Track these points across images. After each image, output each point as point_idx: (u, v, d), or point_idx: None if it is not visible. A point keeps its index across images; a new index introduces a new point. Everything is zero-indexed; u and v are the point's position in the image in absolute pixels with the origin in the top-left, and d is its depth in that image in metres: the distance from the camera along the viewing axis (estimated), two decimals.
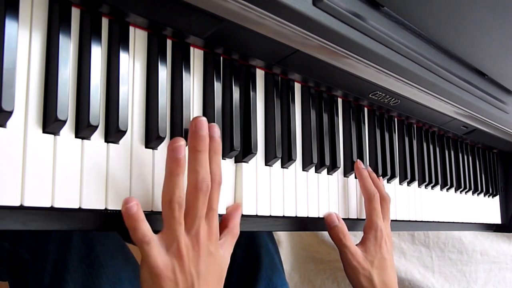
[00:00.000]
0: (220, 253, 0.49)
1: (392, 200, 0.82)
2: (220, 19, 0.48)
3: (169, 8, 0.46)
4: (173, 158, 0.45)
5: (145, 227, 0.44)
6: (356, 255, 0.69)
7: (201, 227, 0.47)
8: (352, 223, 0.74)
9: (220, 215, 0.53)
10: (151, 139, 0.48)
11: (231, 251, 0.52)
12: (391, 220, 0.81)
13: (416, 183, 0.89)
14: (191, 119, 0.52)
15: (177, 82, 0.51)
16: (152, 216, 0.48)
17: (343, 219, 0.72)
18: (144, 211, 0.47)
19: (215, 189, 0.48)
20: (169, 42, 0.52)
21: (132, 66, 0.48)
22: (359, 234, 0.73)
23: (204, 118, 0.48)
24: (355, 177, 0.75)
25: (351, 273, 0.70)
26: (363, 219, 0.75)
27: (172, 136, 0.50)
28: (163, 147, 0.50)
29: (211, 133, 0.49)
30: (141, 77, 0.49)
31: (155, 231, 0.46)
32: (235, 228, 0.53)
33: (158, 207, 0.48)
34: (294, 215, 0.63)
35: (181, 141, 0.45)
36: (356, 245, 0.71)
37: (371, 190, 0.72)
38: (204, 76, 0.55)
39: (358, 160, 0.75)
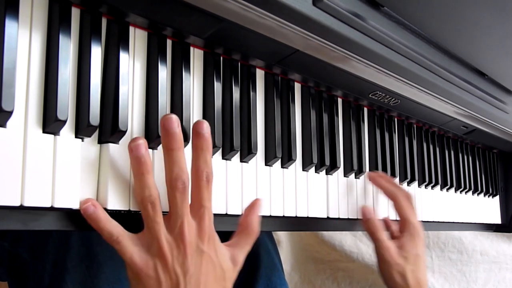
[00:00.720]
0: (219, 252, 0.48)
1: None
2: (220, 19, 0.48)
3: (169, 8, 0.46)
4: (133, 157, 0.44)
5: (109, 226, 0.43)
6: (389, 250, 0.68)
7: (185, 226, 0.45)
8: (352, 223, 0.74)
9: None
10: (151, 139, 0.48)
11: (247, 250, 0.51)
12: (391, 220, 0.81)
13: (416, 183, 0.89)
14: (191, 119, 0.52)
15: (177, 82, 0.51)
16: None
17: (343, 219, 0.72)
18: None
19: (203, 186, 0.47)
20: (169, 42, 0.52)
21: (132, 66, 0.48)
22: (359, 234, 0.73)
23: (175, 116, 0.46)
24: (355, 177, 0.75)
25: (384, 267, 0.70)
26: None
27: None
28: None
29: (198, 129, 0.47)
30: (141, 77, 0.49)
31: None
32: (249, 225, 0.51)
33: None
34: (294, 215, 0.63)
35: (139, 140, 0.44)
36: (391, 240, 0.70)
37: (394, 191, 0.73)
38: (204, 76, 0.55)
39: (369, 173, 0.75)
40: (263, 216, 0.59)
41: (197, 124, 0.47)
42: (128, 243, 0.44)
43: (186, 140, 0.50)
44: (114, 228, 0.43)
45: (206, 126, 0.47)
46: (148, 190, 0.44)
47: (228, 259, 0.49)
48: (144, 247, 0.45)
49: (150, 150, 0.48)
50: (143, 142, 0.44)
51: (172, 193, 0.45)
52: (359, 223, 0.75)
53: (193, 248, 0.45)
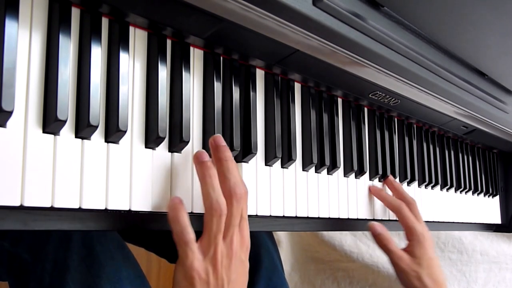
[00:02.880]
0: (247, 261, 0.51)
1: None
2: (220, 19, 0.48)
3: (169, 8, 0.46)
4: (198, 163, 0.48)
5: (188, 230, 0.46)
6: (402, 259, 0.73)
7: (235, 236, 0.48)
8: (352, 223, 0.74)
9: None
10: (151, 139, 0.48)
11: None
12: (391, 220, 0.81)
13: (416, 183, 0.89)
14: (191, 119, 0.52)
15: (177, 82, 0.51)
16: (151, 216, 0.49)
17: (343, 219, 0.72)
18: (143, 211, 0.47)
19: (246, 199, 0.50)
20: (169, 42, 0.52)
21: (132, 66, 0.48)
22: (359, 234, 0.73)
23: (220, 135, 0.51)
24: (355, 177, 0.75)
25: (402, 276, 0.74)
26: (363, 219, 0.75)
27: (172, 136, 0.50)
28: (162, 147, 0.50)
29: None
30: (141, 77, 0.49)
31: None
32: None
33: (158, 207, 0.48)
34: (294, 215, 0.63)
35: (203, 151, 0.50)
36: (403, 250, 0.74)
37: (396, 204, 0.76)
38: (204, 76, 0.55)
39: (371, 187, 0.78)
40: (263, 216, 0.59)
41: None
42: (195, 249, 0.46)
43: (187, 140, 0.50)
44: (190, 233, 0.46)
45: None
46: (215, 194, 0.47)
47: (248, 265, 0.52)
48: (202, 253, 0.47)
49: (150, 150, 0.48)
50: (204, 151, 0.50)
51: (229, 201, 0.48)
52: (360, 223, 0.75)
53: (237, 257, 0.49)
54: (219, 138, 0.51)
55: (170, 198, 0.48)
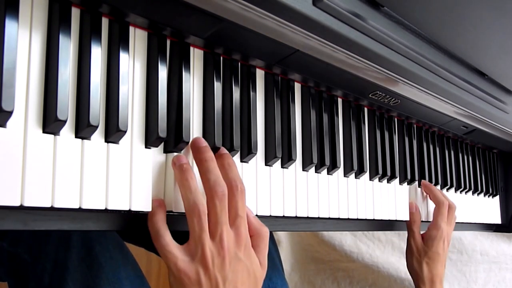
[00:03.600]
0: (252, 259, 0.50)
1: (393, 200, 0.82)
2: (220, 19, 0.48)
3: (169, 8, 0.46)
4: (176, 166, 0.48)
5: (164, 232, 0.46)
6: (416, 241, 0.85)
7: (224, 233, 0.47)
8: (352, 223, 0.74)
9: None
10: (151, 139, 0.48)
11: (266, 251, 0.53)
12: (391, 220, 0.81)
13: (416, 183, 0.89)
14: (191, 119, 0.52)
15: (177, 82, 0.51)
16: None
17: (343, 219, 0.72)
18: (143, 211, 0.47)
19: (237, 196, 0.49)
20: (169, 42, 0.52)
21: (132, 66, 0.48)
22: (359, 234, 0.73)
23: (200, 137, 0.52)
24: (355, 177, 0.75)
25: (408, 254, 0.87)
26: (363, 219, 0.75)
27: (172, 136, 0.50)
28: (163, 147, 0.50)
29: (218, 145, 0.52)
30: (141, 77, 0.49)
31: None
32: (257, 228, 0.53)
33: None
34: (294, 215, 0.63)
35: (180, 154, 0.49)
36: (421, 234, 0.85)
37: (441, 199, 0.87)
38: (204, 76, 0.55)
39: (423, 181, 0.89)
40: (263, 216, 0.59)
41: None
42: (174, 251, 0.46)
43: (188, 140, 0.50)
44: (167, 235, 0.46)
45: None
46: (192, 196, 0.47)
47: (259, 265, 0.51)
48: (189, 255, 0.47)
49: (150, 150, 0.48)
50: (184, 156, 0.50)
51: (211, 201, 0.47)
52: (359, 223, 0.75)
53: (231, 256, 0.48)
54: (199, 139, 0.51)
55: (153, 200, 0.47)
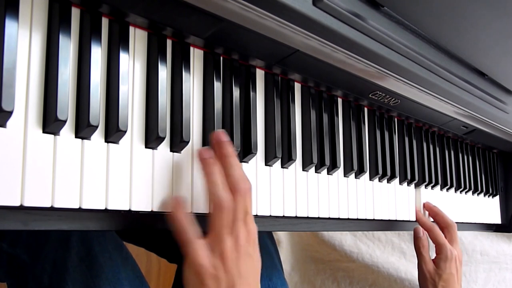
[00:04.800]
0: (257, 254, 0.51)
1: (392, 200, 0.82)
2: (220, 19, 0.48)
3: (169, 8, 0.46)
4: (201, 160, 0.49)
5: (189, 229, 0.47)
6: (428, 266, 0.85)
7: (240, 230, 0.48)
8: (352, 223, 0.74)
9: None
10: (151, 139, 0.48)
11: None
12: (391, 220, 0.81)
13: (416, 183, 0.89)
14: (191, 119, 0.52)
15: (177, 82, 0.51)
16: (151, 216, 0.49)
17: (343, 219, 0.72)
18: (144, 211, 0.47)
19: (250, 194, 0.50)
20: (169, 42, 0.52)
21: (132, 66, 0.48)
22: (359, 234, 0.73)
23: (223, 130, 0.52)
24: (355, 177, 0.75)
25: (421, 279, 0.86)
26: (363, 219, 0.75)
27: (171, 136, 0.50)
28: (163, 147, 0.50)
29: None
30: (141, 77, 0.49)
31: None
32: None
33: (158, 207, 0.48)
34: (294, 215, 0.63)
35: (206, 148, 0.50)
36: (432, 259, 0.86)
37: (450, 221, 0.88)
38: (204, 76, 0.55)
39: (427, 203, 0.90)
40: (263, 216, 0.59)
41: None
42: (201, 246, 0.47)
43: (188, 140, 0.50)
44: (190, 231, 0.47)
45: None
46: (218, 190, 0.47)
47: (259, 260, 0.52)
48: (210, 249, 0.47)
49: (150, 150, 0.48)
50: (208, 148, 0.50)
51: (234, 197, 0.48)
52: (359, 223, 0.75)
53: (245, 252, 0.49)
54: (221, 133, 0.51)
55: (171, 198, 0.48)
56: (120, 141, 0.46)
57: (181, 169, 0.51)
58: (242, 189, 0.48)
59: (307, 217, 0.66)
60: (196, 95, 0.54)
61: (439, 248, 0.85)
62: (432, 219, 0.90)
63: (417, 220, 0.87)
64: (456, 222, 0.98)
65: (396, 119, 0.85)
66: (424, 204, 0.90)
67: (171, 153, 0.50)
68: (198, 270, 0.46)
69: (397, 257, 1.29)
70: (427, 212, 0.91)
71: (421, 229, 0.85)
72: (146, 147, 0.48)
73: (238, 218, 0.48)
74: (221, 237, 0.47)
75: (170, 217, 0.47)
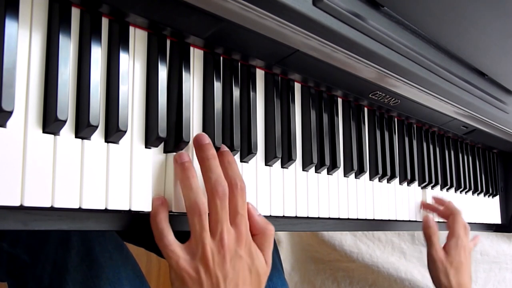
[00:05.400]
0: (254, 256, 0.50)
1: (393, 200, 0.82)
2: (220, 19, 0.48)
3: (169, 8, 0.46)
4: (178, 164, 0.48)
5: (167, 231, 0.47)
6: (439, 252, 0.85)
7: (225, 232, 0.48)
8: (352, 223, 0.74)
9: None
10: (151, 139, 0.48)
11: (271, 249, 0.53)
12: (391, 220, 0.81)
13: (416, 183, 0.89)
14: (191, 119, 0.52)
15: (177, 82, 0.51)
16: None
17: (343, 219, 0.72)
18: (143, 211, 0.47)
19: (237, 194, 0.49)
20: (169, 42, 0.52)
21: (132, 66, 0.48)
22: (359, 234, 0.73)
23: (204, 133, 0.51)
24: (355, 177, 0.75)
25: (432, 267, 0.86)
26: (363, 219, 0.75)
27: (172, 136, 0.50)
28: (162, 147, 0.50)
29: (217, 145, 0.52)
30: (141, 77, 0.49)
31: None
32: (262, 227, 0.53)
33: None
34: (294, 215, 0.63)
35: (183, 152, 0.49)
36: (442, 246, 0.85)
37: (456, 207, 0.90)
38: (204, 76, 0.55)
39: (423, 203, 0.89)
40: (263, 216, 0.59)
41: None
42: (176, 250, 0.47)
43: (188, 140, 0.50)
44: (170, 234, 0.47)
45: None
46: (194, 195, 0.47)
47: (263, 262, 0.52)
48: (190, 254, 0.47)
49: (150, 150, 0.48)
50: (185, 153, 0.50)
51: (212, 200, 0.48)
52: (359, 223, 0.75)
53: (232, 254, 0.48)
54: (201, 136, 0.51)
55: (153, 199, 0.47)
56: (120, 141, 0.46)
57: None
58: (220, 192, 0.48)
59: (307, 217, 0.66)
60: (196, 95, 0.54)
61: (451, 234, 0.86)
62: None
63: (435, 211, 0.89)
64: None
65: (396, 119, 0.85)
66: (434, 198, 0.92)
67: (171, 153, 0.50)
68: (179, 274, 0.46)
69: (397, 257, 1.29)
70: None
71: (430, 218, 0.85)
72: (146, 147, 0.48)
73: (220, 220, 0.47)
74: (201, 240, 0.47)
75: (150, 220, 0.47)
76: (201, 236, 0.47)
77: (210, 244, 0.47)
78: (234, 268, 0.48)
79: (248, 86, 0.59)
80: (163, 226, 0.47)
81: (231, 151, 0.55)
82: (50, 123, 0.40)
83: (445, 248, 0.86)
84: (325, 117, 0.70)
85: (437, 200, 0.92)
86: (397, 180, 0.84)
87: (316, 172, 0.68)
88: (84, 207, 0.42)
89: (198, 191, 0.47)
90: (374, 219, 0.77)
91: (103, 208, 0.44)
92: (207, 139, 0.51)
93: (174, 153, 0.50)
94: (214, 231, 0.47)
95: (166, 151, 0.50)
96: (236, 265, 0.48)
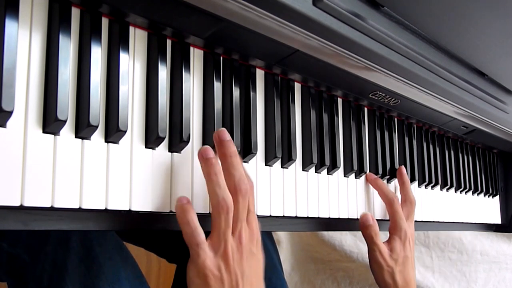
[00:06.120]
0: (260, 252, 0.52)
1: None
2: (220, 19, 0.48)
3: (169, 8, 0.46)
4: (203, 160, 0.48)
5: (198, 231, 0.47)
6: (383, 253, 0.75)
7: (243, 230, 0.49)
8: (352, 223, 0.74)
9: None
10: (151, 139, 0.48)
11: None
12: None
13: (416, 183, 0.89)
14: (191, 119, 0.52)
15: (177, 82, 0.51)
16: (151, 216, 0.49)
17: (342, 219, 0.72)
18: (143, 211, 0.47)
19: (249, 193, 0.50)
20: (169, 42, 0.52)
21: (132, 66, 0.48)
22: (359, 234, 0.73)
23: (224, 129, 0.51)
24: (355, 177, 0.75)
25: (376, 268, 0.77)
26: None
27: (171, 136, 0.50)
28: (162, 147, 0.50)
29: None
30: (141, 77, 0.49)
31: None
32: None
33: (158, 207, 0.48)
34: (294, 215, 0.63)
35: (208, 147, 0.49)
36: (384, 242, 0.76)
37: (389, 195, 0.77)
38: (204, 76, 0.55)
39: (368, 174, 0.78)
40: (263, 216, 0.59)
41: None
42: (206, 249, 0.47)
43: (187, 140, 0.50)
44: (202, 233, 0.47)
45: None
46: (221, 191, 0.47)
47: (262, 258, 0.53)
48: (213, 250, 0.48)
49: (150, 150, 0.48)
50: (210, 148, 0.49)
51: (235, 197, 0.48)
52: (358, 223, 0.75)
53: (247, 251, 0.49)
54: (223, 132, 0.51)
55: (177, 199, 0.48)
56: (120, 141, 0.46)
57: (181, 169, 0.51)
58: (243, 190, 0.48)
59: (307, 217, 0.66)
60: (196, 95, 0.54)
61: (394, 227, 0.77)
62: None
63: (377, 188, 0.78)
64: (456, 222, 0.98)
65: (396, 119, 0.85)
66: (398, 169, 0.82)
67: (171, 153, 0.50)
68: (203, 272, 0.47)
69: None
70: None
71: (370, 216, 0.73)
72: (146, 147, 0.48)
73: (240, 219, 0.48)
74: (224, 238, 0.47)
75: (179, 220, 0.47)
76: (225, 233, 0.47)
77: (231, 242, 0.48)
78: (249, 265, 0.49)
79: (248, 86, 0.59)
80: (195, 224, 0.47)
81: None
82: (50, 123, 0.40)
83: (388, 244, 0.77)
84: (325, 117, 0.70)
85: (373, 182, 0.79)
86: (397, 180, 0.84)
87: (316, 172, 0.68)
88: (84, 207, 0.42)
89: (226, 189, 0.48)
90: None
91: (103, 208, 0.44)
92: (228, 136, 0.51)
93: (177, 153, 0.50)
94: (234, 229, 0.48)
95: (171, 150, 0.50)
96: (250, 262, 0.49)
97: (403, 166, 0.83)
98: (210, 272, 0.47)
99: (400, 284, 0.76)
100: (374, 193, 0.78)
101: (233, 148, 0.50)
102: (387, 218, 0.79)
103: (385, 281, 0.76)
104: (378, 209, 0.78)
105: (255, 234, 0.50)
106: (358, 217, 0.74)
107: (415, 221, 0.88)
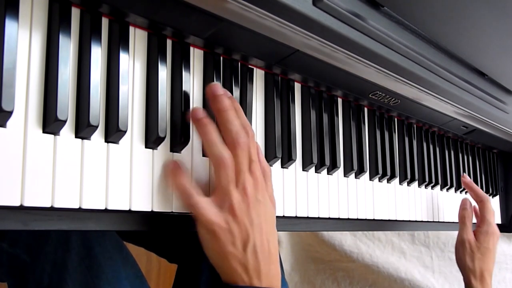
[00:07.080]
0: (266, 197, 0.52)
1: (392, 200, 0.82)
2: (220, 19, 0.48)
3: (169, 8, 0.46)
4: (195, 121, 0.49)
5: (191, 190, 0.48)
6: (469, 236, 0.91)
7: (246, 180, 0.49)
8: (352, 223, 0.74)
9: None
10: (151, 139, 0.48)
11: (271, 184, 0.55)
12: (391, 220, 0.81)
13: (416, 183, 0.89)
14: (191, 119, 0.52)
15: (177, 82, 0.51)
16: (151, 216, 0.49)
17: (341, 219, 0.72)
18: (143, 211, 0.47)
19: (250, 142, 0.50)
20: (169, 42, 0.52)
21: (132, 66, 0.48)
22: (359, 234, 0.73)
23: (217, 83, 0.51)
24: (355, 177, 0.75)
25: (460, 248, 0.92)
26: (363, 219, 0.75)
27: (172, 136, 0.50)
28: (163, 147, 0.50)
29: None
30: (141, 77, 0.49)
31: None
32: (264, 167, 0.54)
33: (159, 207, 0.48)
34: (294, 215, 0.63)
35: (199, 107, 0.50)
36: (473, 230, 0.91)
37: (485, 195, 0.96)
38: (204, 76, 0.55)
39: (464, 175, 0.98)
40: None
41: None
42: (205, 205, 0.48)
43: (187, 140, 0.50)
44: (196, 192, 0.48)
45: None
46: (217, 149, 0.48)
47: (270, 202, 0.53)
48: (217, 206, 0.48)
49: (150, 150, 0.48)
50: (200, 108, 0.50)
51: (234, 151, 0.49)
52: (359, 223, 0.75)
53: (253, 200, 0.49)
54: (216, 86, 0.50)
55: (164, 165, 0.48)
56: (120, 141, 0.46)
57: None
58: (242, 143, 0.49)
59: (307, 217, 0.66)
60: (196, 95, 0.54)
61: (482, 221, 0.92)
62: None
63: (471, 190, 0.95)
64: (457, 222, 0.98)
65: (396, 119, 0.85)
66: (464, 181, 0.97)
67: (171, 153, 0.50)
68: (210, 228, 0.47)
69: (397, 257, 1.29)
70: None
71: (468, 202, 0.91)
72: (146, 147, 0.48)
73: (242, 170, 0.49)
74: (228, 192, 0.48)
75: (172, 185, 0.48)
76: (228, 187, 0.48)
77: (236, 194, 0.48)
78: (257, 213, 0.49)
79: (248, 86, 0.59)
80: (187, 186, 0.48)
81: None
82: (50, 123, 0.40)
83: (475, 233, 0.91)
84: (325, 117, 0.70)
85: (467, 184, 0.97)
86: (397, 180, 0.84)
87: (316, 172, 0.68)
88: (84, 207, 0.42)
89: (222, 144, 0.48)
90: (374, 219, 0.77)
91: (103, 208, 0.44)
92: (221, 89, 0.50)
93: (177, 153, 0.50)
94: (237, 181, 0.49)
95: (172, 150, 0.50)
96: (257, 210, 0.50)
97: (464, 176, 0.99)
98: (217, 226, 0.47)
99: (478, 270, 0.88)
100: (375, 193, 0.78)
101: (227, 102, 0.50)
102: (387, 219, 0.79)
103: (464, 262, 0.89)
104: (379, 209, 0.78)
105: (259, 182, 0.51)
106: (358, 217, 0.74)
107: (417, 221, 0.88)
